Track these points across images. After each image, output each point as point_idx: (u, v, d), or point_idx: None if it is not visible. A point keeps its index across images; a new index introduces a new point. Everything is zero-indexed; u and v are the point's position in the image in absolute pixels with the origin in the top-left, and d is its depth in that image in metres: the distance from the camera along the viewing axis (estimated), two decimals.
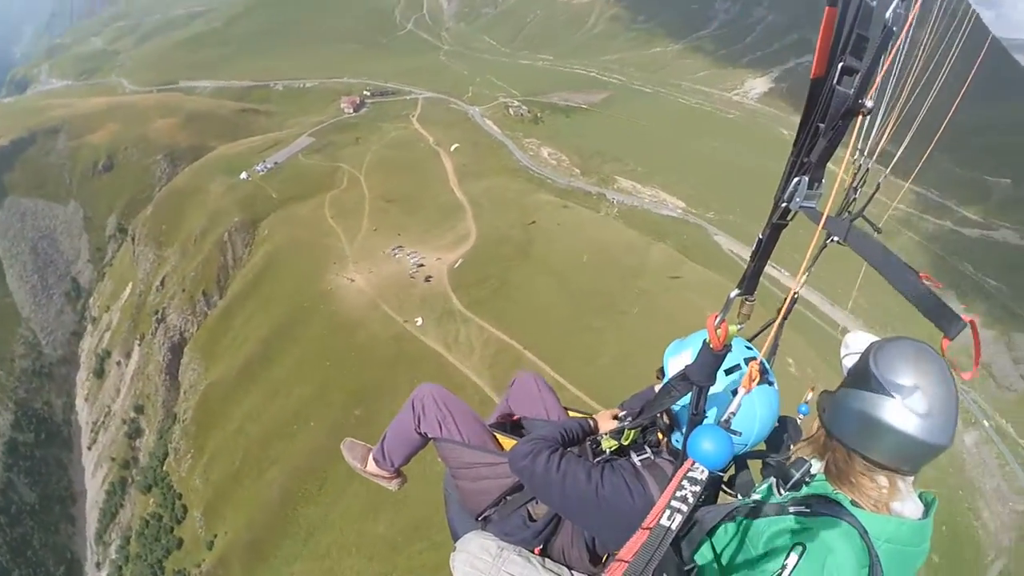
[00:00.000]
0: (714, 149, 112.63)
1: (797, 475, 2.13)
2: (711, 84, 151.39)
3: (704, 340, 2.06)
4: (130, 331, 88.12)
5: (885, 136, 3.06)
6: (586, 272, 70.20)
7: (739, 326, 2.22)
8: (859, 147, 2.70)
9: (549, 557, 3.20)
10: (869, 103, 1.73)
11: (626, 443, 2.93)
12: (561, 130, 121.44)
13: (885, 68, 2.05)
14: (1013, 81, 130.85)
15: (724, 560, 2.21)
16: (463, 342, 62.50)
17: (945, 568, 50.30)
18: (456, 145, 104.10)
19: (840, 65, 1.66)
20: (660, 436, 2.89)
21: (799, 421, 2.86)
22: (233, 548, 57.66)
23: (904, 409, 1.81)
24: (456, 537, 3.48)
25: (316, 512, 55.34)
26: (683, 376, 2.24)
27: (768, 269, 2.31)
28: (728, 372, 2.51)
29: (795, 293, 2.35)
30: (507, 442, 3.59)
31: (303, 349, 66.00)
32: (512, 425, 3.94)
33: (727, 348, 2.03)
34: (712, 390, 2.27)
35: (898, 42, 2.09)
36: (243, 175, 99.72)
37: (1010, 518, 58.63)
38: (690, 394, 2.22)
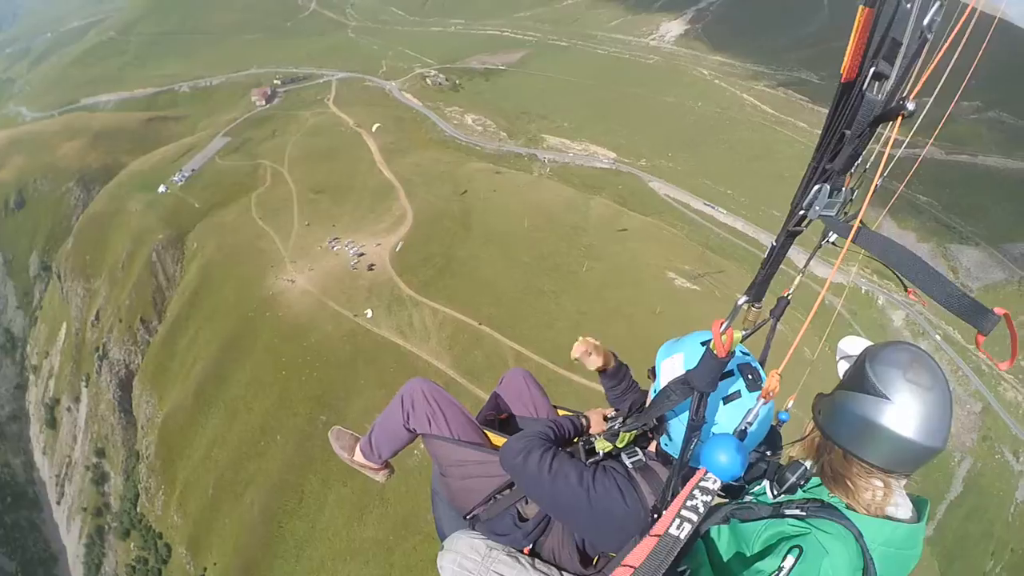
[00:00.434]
0: (637, 96, 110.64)
1: (793, 478, 2.09)
2: (627, 31, 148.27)
3: (708, 345, 1.98)
4: (74, 374, 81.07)
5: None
6: (530, 236, 67.78)
7: (744, 332, 2.09)
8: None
9: (539, 557, 3.06)
10: (911, 105, 1.62)
11: (621, 446, 2.78)
12: (483, 94, 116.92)
13: (922, 77, 1.77)
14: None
15: (718, 562, 2.20)
16: (418, 327, 59.54)
17: (917, 476, 51.52)
18: (377, 124, 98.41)
19: (872, 70, 1.58)
20: (651, 438, 2.79)
21: (779, 428, 2.65)
22: None
23: (900, 412, 1.80)
24: (443, 536, 3.36)
25: (302, 526, 52.45)
26: (684, 381, 2.18)
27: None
28: (723, 377, 2.26)
29: (788, 295, 2.21)
30: (497, 440, 3.40)
31: (256, 362, 61.74)
32: (501, 423, 3.76)
33: (732, 355, 1.95)
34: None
35: (940, 52, 1.73)
36: (161, 188, 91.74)
37: (969, 420, 60.85)
38: (689, 399, 2.15)
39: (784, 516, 2.05)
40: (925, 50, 1.61)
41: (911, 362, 1.85)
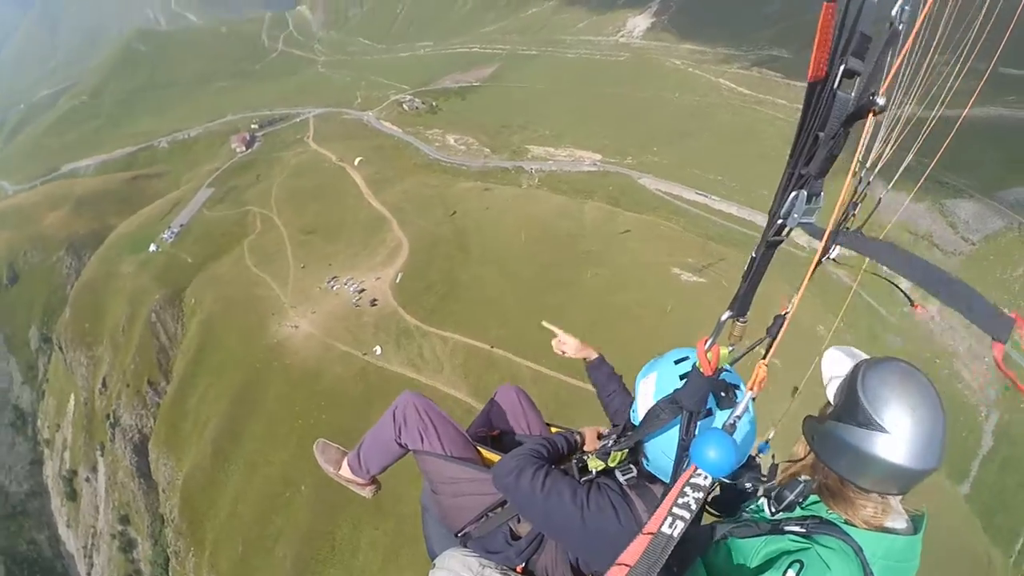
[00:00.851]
0: (614, 95, 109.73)
1: (792, 496, 2.08)
2: (594, 32, 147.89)
3: (694, 364, 1.95)
4: (88, 444, 78.93)
5: (891, 145, 2.28)
6: (528, 250, 66.46)
7: (731, 347, 2.06)
8: (860, 158, 2.12)
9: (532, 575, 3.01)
10: (881, 100, 1.54)
11: (613, 464, 2.66)
12: (461, 113, 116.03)
13: (893, 70, 1.67)
14: None
15: None
16: (429, 358, 58.08)
17: (948, 438, 50.04)
18: (360, 158, 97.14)
19: (841, 67, 1.50)
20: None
21: (758, 459, 2.60)
22: None
23: (896, 442, 1.79)
24: (433, 553, 3.27)
25: (338, 573, 50.77)
26: (673, 400, 2.17)
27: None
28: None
29: (787, 313, 2.08)
30: (490, 456, 3.30)
31: (269, 413, 60.17)
32: (493, 439, 3.66)
33: (720, 372, 1.93)
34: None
35: (907, 43, 1.61)
36: (152, 247, 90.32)
37: (990, 372, 59.28)
38: (679, 419, 2.13)
39: (784, 532, 2.02)
40: (901, 42, 1.53)
41: (902, 384, 1.83)
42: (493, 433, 3.74)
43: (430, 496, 3.39)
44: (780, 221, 1.85)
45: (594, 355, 3.92)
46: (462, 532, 3.20)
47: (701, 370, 1.92)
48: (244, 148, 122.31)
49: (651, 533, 1.60)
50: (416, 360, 58.12)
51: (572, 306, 57.23)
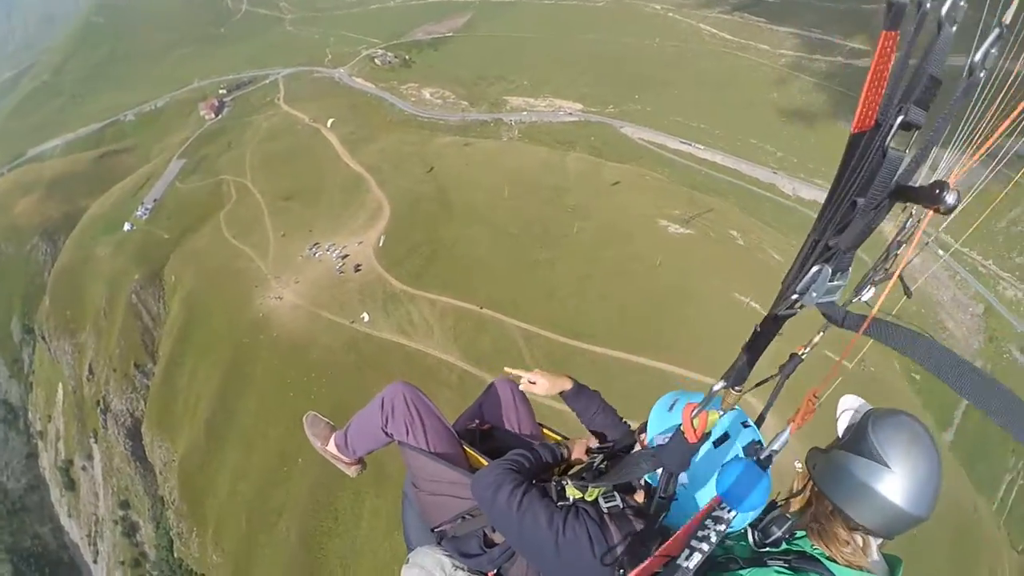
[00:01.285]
0: (593, 42, 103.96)
1: (779, 532, 2.03)
2: None
3: (678, 427, 1.87)
4: (81, 432, 76.58)
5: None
6: (512, 205, 63.37)
7: (721, 414, 1.90)
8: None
9: None
10: (951, 197, 1.18)
11: (589, 499, 2.50)
12: (436, 66, 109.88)
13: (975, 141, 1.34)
14: None
15: None
16: (418, 323, 55.74)
17: (932, 388, 49.01)
18: (332, 119, 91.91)
19: (899, 118, 1.17)
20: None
21: None
22: None
23: (897, 481, 1.80)
24: (409, 541, 3.29)
25: (342, 544, 49.75)
26: (654, 455, 2.09)
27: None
28: (717, 444, 2.12)
29: (803, 354, 1.88)
30: (475, 457, 3.19)
31: (260, 388, 57.99)
32: (482, 434, 3.54)
33: (706, 437, 1.84)
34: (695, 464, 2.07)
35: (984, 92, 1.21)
36: (126, 227, 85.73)
37: (973, 322, 58.20)
38: (660, 472, 2.05)
39: (767, 564, 1.99)
40: (976, 95, 1.17)
41: (911, 433, 1.83)
42: (483, 427, 3.56)
43: (411, 488, 3.28)
44: (795, 297, 1.50)
45: (568, 384, 3.45)
46: (438, 528, 3.09)
47: (686, 436, 1.78)
48: (213, 115, 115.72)
49: (665, 556, 1.56)
50: (405, 325, 55.79)
51: (561, 262, 54.78)
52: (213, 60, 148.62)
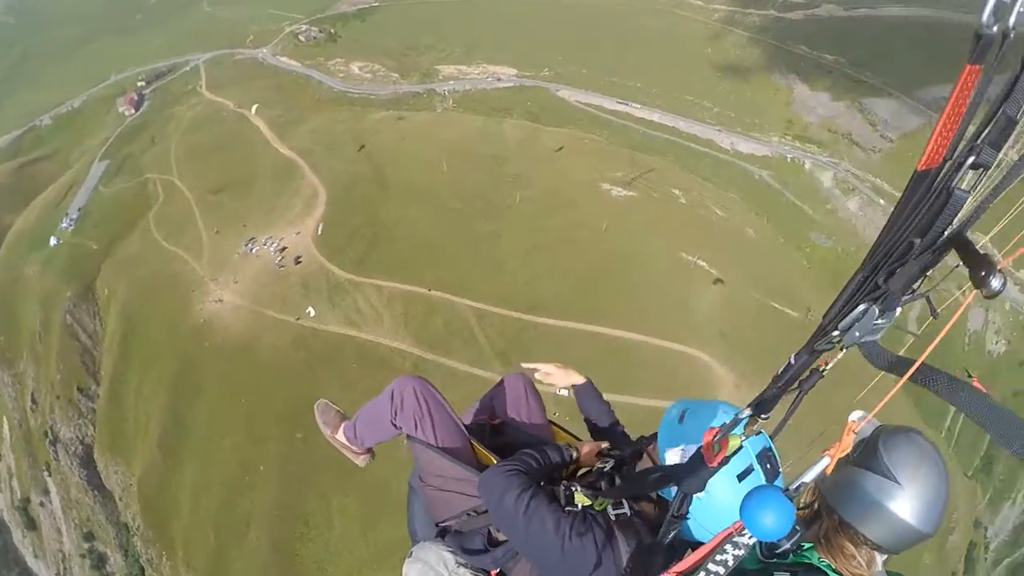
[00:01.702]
0: (525, 4, 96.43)
1: (787, 544, 1.94)
2: None
3: (698, 449, 1.74)
4: (33, 467, 68.86)
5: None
6: (452, 179, 58.47)
7: (744, 439, 1.75)
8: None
9: None
10: (996, 283, 1.07)
11: (598, 508, 2.38)
12: (362, 38, 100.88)
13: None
14: None
15: None
16: (366, 312, 51.24)
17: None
18: (256, 105, 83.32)
19: (971, 158, 1.04)
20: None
21: None
22: None
23: (907, 497, 1.74)
24: (414, 534, 3.18)
25: (316, 548, 46.38)
26: (670, 475, 1.98)
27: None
28: (741, 477, 1.97)
29: (824, 370, 1.67)
30: (483, 454, 3.00)
31: (210, 398, 53.00)
32: (492, 429, 3.36)
33: (726, 463, 1.71)
34: (717, 493, 1.94)
35: None
36: (53, 241, 76.51)
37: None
38: (675, 491, 1.92)
39: (773, 575, 1.93)
40: None
41: (921, 452, 1.77)
42: (493, 422, 3.38)
43: (418, 481, 3.12)
44: (835, 333, 1.36)
45: (582, 379, 3.37)
46: (443, 523, 2.98)
47: (705, 459, 1.67)
48: (133, 110, 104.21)
49: (678, 573, 1.51)
50: (353, 316, 51.22)
51: (507, 234, 50.70)
52: (130, 51, 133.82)
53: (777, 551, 1.95)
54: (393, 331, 48.89)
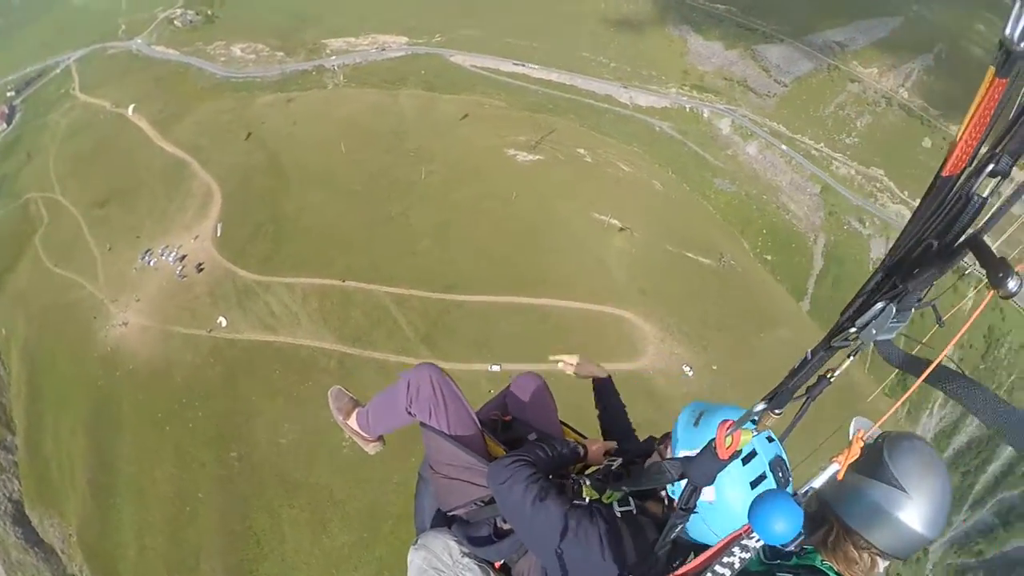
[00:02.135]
0: None
1: (792, 546, 1.81)
2: None
3: (711, 442, 1.54)
4: None
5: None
6: (352, 160, 48.48)
7: (755, 433, 1.61)
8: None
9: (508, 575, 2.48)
10: (1012, 284, 0.97)
11: (606, 501, 2.20)
12: (243, 17, 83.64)
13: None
14: None
15: None
16: (281, 314, 42.55)
17: (784, 264, 43.96)
18: (133, 104, 68.07)
19: (990, 166, 0.99)
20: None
21: None
22: None
23: (914, 506, 1.60)
24: (420, 523, 2.80)
25: (273, 565, 38.96)
26: (681, 468, 1.79)
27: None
28: (754, 484, 1.73)
29: (832, 377, 1.52)
30: (495, 447, 2.67)
31: (132, 430, 43.45)
32: (504, 425, 2.94)
33: (737, 456, 1.55)
34: (729, 497, 1.72)
35: None
36: None
37: (812, 201, 53.69)
38: (683, 485, 1.75)
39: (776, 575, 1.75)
40: None
41: (925, 458, 1.62)
42: (505, 418, 2.99)
43: (428, 470, 2.79)
44: (853, 331, 1.27)
45: (604, 373, 3.11)
46: (451, 512, 2.65)
47: (717, 452, 1.50)
48: (5, 124, 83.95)
49: (685, 574, 1.39)
50: (268, 319, 42.43)
51: (415, 212, 42.42)
52: None
53: (781, 553, 1.77)
54: (312, 330, 40.74)
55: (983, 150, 0.97)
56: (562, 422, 3.02)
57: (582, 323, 34.29)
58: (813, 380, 1.47)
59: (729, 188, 53.55)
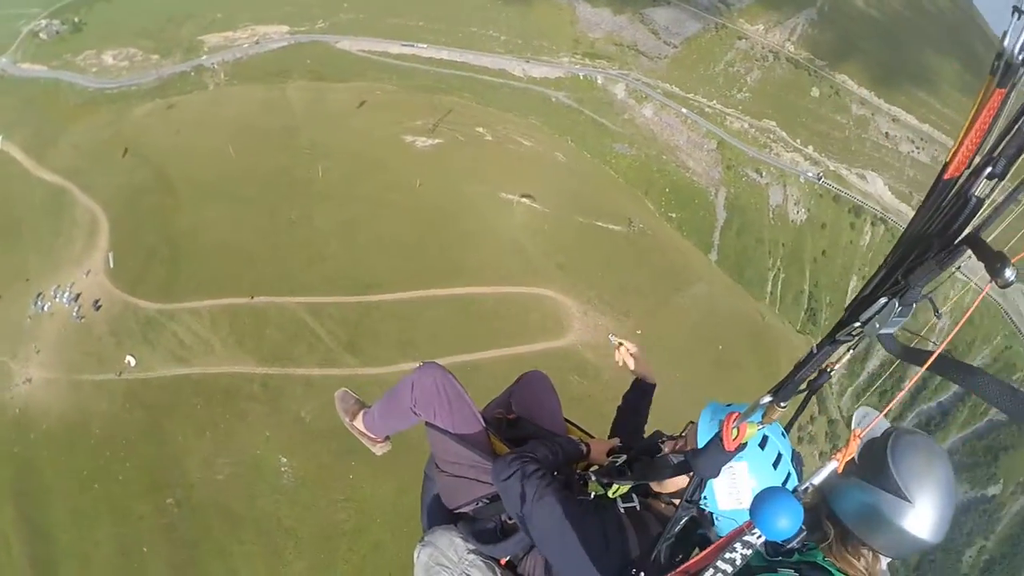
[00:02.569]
0: None
1: (794, 543, 1.56)
2: None
3: (717, 434, 1.45)
4: None
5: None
6: (243, 164, 39.15)
7: (761, 426, 1.43)
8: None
9: (514, 572, 2.23)
10: (1010, 273, 0.91)
11: (612, 495, 1.97)
12: (112, 22, 67.49)
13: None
14: None
15: None
16: (191, 343, 34.55)
17: (689, 220, 39.55)
18: (1, 136, 54.13)
19: (987, 169, 0.94)
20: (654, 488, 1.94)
21: None
22: None
23: (918, 515, 1.41)
24: (426, 522, 2.54)
25: None
26: (686, 460, 1.64)
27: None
28: (776, 464, 1.62)
29: (832, 371, 1.36)
30: (499, 445, 2.41)
31: (59, 494, 35.00)
32: (508, 423, 2.65)
33: (743, 447, 1.44)
34: (754, 478, 1.58)
35: None
36: None
37: (710, 156, 49.19)
38: (692, 478, 1.61)
39: (777, 572, 1.51)
40: None
41: (929, 458, 1.41)
42: (510, 416, 2.69)
43: (434, 469, 2.54)
44: (857, 326, 1.16)
45: (654, 379, 2.65)
46: (458, 510, 2.41)
47: (723, 443, 1.40)
48: None
49: (687, 571, 1.31)
50: (178, 351, 34.38)
51: (318, 213, 34.54)
52: None
53: (782, 550, 1.55)
54: (228, 355, 33.20)
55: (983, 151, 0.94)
56: (567, 419, 2.67)
57: (505, 307, 29.22)
58: (814, 374, 1.32)
59: (629, 152, 49.24)
